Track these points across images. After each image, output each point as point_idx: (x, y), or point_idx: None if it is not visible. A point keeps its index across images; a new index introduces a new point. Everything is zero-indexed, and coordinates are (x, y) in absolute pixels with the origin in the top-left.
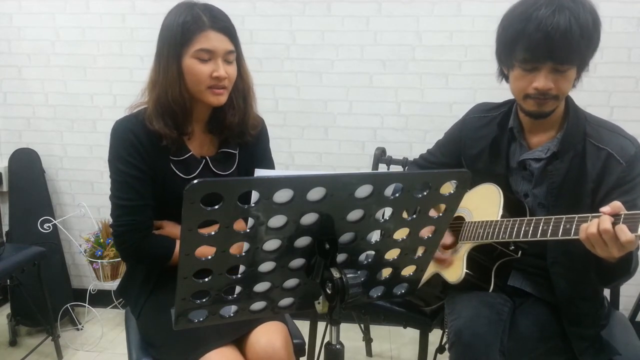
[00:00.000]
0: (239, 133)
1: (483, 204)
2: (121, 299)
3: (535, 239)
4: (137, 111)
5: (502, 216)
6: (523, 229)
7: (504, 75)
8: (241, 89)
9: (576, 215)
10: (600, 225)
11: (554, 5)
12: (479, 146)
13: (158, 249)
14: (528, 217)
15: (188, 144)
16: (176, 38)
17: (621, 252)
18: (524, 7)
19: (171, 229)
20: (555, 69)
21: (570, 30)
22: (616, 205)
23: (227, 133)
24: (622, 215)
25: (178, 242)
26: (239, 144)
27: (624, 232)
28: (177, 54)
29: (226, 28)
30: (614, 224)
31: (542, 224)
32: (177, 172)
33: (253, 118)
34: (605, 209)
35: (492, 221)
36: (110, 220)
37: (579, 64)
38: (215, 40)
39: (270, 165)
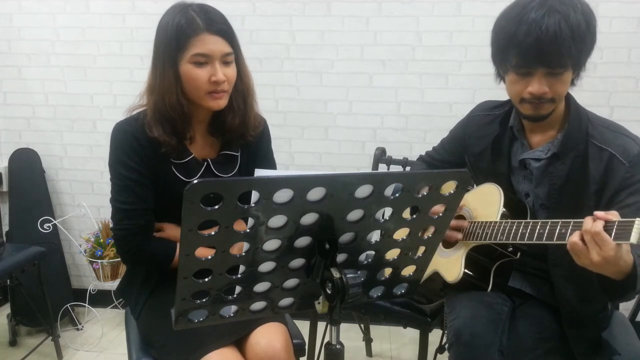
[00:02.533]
0: (240, 135)
1: (484, 203)
2: (121, 299)
3: (532, 242)
4: (137, 113)
5: (503, 216)
6: (520, 231)
7: (501, 77)
8: (240, 90)
9: (572, 220)
10: (592, 228)
11: (544, 8)
12: (482, 144)
13: (159, 253)
14: (526, 220)
15: (189, 147)
16: (171, 43)
17: (599, 257)
18: (514, 11)
19: (172, 231)
20: (550, 73)
21: (560, 34)
22: (612, 214)
23: (228, 136)
24: (616, 223)
25: (179, 245)
26: (241, 146)
27: (604, 239)
28: (173, 60)
29: (222, 30)
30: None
31: (538, 227)
32: (178, 175)
33: (254, 119)
34: (599, 213)
35: (490, 222)
36: (111, 223)
37: (574, 66)
38: (211, 44)
39: (272, 166)
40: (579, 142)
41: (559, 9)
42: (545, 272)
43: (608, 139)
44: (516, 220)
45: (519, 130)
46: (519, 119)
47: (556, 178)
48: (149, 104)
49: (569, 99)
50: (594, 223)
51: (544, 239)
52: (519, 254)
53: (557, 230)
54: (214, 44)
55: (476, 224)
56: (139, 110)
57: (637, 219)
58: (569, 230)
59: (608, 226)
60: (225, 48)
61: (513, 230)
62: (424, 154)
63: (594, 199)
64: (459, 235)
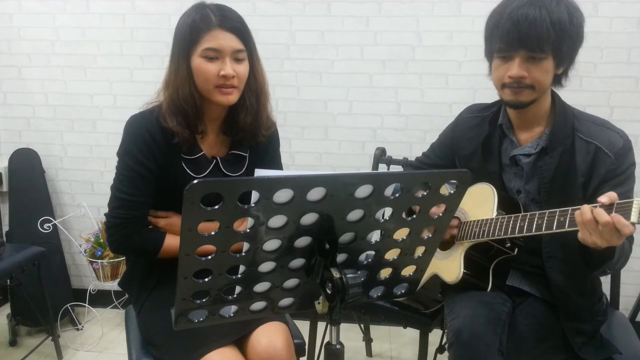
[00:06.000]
0: (252, 134)
1: (478, 203)
2: (121, 299)
3: (531, 233)
4: (152, 107)
5: (497, 214)
6: (518, 224)
7: (490, 70)
8: (254, 89)
9: (570, 208)
10: (600, 219)
11: (527, 1)
12: (472, 146)
13: (145, 245)
14: (522, 213)
15: (200, 144)
16: (185, 38)
17: (620, 240)
18: (501, 5)
19: (176, 219)
20: (530, 57)
21: (539, 19)
22: (613, 196)
23: (241, 134)
24: (615, 205)
25: (167, 236)
26: (250, 146)
27: (620, 222)
28: (187, 54)
29: (235, 27)
30: (608, 213)
31: (536, 218)
32: (187, 170)
33: (267, 119)
34: (603, 199)
35: (487, 219)
36: (107, 209)
37: (554, 54)
38: (222, 39)
39: (279, 169)
40: (566, 136)
41: (542, 3)
42: (541, 268)
43: (594, 132)
44: (512, 215)
45: (508, 127)
46: (508, 117)
47: (545, 172)
48: (165, 98)
49: (554, 96)
50: (612, 215)
51: (544, 229)
52: (516, 249)
53: (556, 219)
54: (225, 40)
55: (472, 223)
56: (155, 104)
57: (636, 198)
58: (568, 218)
59: (607, 208)
60: (236, 45)
61: (511, 225)
62: (414, 160)
63: (581, 191)
64: (454, 230)
